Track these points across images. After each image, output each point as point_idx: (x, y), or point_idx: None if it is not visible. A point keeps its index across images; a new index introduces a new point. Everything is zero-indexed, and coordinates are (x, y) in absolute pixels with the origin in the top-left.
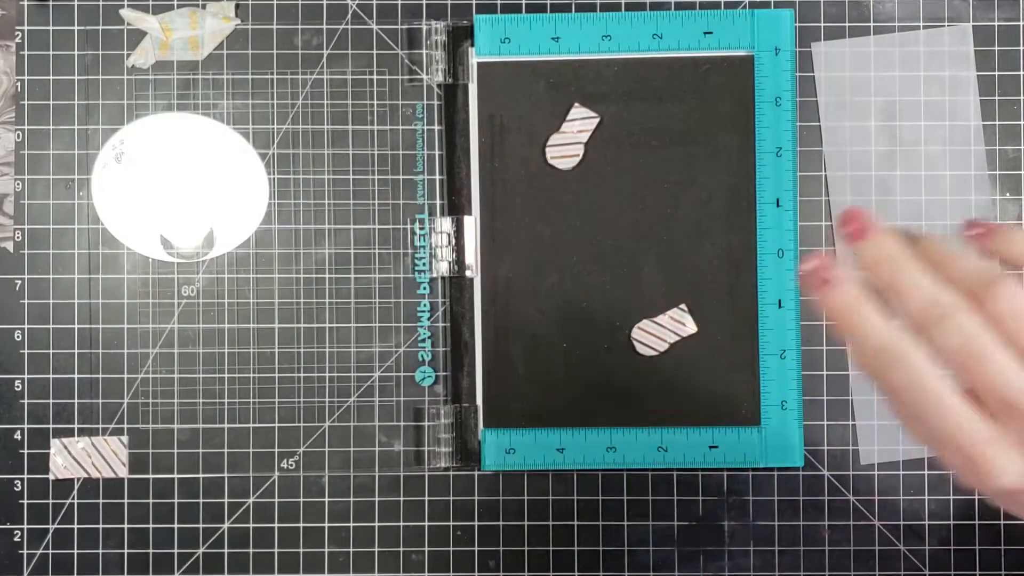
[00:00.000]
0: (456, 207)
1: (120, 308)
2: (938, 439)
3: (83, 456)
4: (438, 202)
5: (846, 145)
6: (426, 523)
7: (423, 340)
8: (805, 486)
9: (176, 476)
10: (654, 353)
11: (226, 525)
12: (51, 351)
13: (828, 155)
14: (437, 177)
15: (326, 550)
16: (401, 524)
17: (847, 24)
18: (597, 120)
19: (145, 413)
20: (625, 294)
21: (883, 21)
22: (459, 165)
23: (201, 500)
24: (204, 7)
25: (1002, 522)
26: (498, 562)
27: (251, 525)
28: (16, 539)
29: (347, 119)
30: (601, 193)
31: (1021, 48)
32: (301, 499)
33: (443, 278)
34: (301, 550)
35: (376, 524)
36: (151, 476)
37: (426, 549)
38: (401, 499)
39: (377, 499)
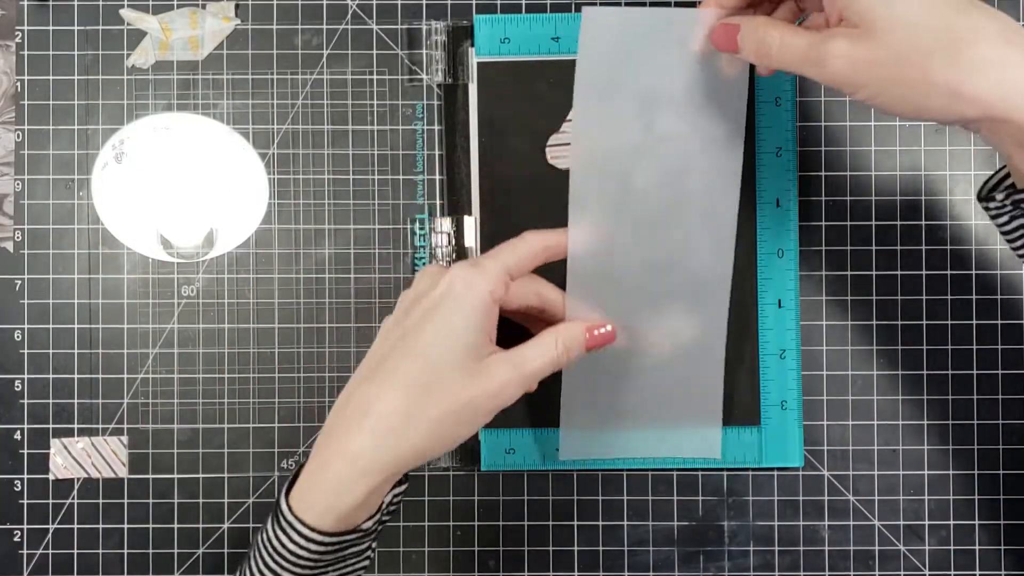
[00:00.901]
0: (456, 207)
1: (120, 308)
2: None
3: (83, 456)
4: (438, 202)
5: (594, 130)
6: (426, 523)
7: None
8: (805, 486)
9: (176, 476)
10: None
11: (226, 525)
12: (51, 351)
13: (575, 141)
14: (437, 177)
15: None
16: (401, 524)
17: None
18: None
19: (145, 413)
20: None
21: None
22: (459, 165)
23: (201, 500)
24: (204, 7)
25: (1002, 522)
26: (498, 562)
27: (251, 525)
28: (16, 539)
29: (347, 119)
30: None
31: None
32: None
33: None
34: None
35: None
36: (151, 476)
37: (426, 549)
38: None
39: None
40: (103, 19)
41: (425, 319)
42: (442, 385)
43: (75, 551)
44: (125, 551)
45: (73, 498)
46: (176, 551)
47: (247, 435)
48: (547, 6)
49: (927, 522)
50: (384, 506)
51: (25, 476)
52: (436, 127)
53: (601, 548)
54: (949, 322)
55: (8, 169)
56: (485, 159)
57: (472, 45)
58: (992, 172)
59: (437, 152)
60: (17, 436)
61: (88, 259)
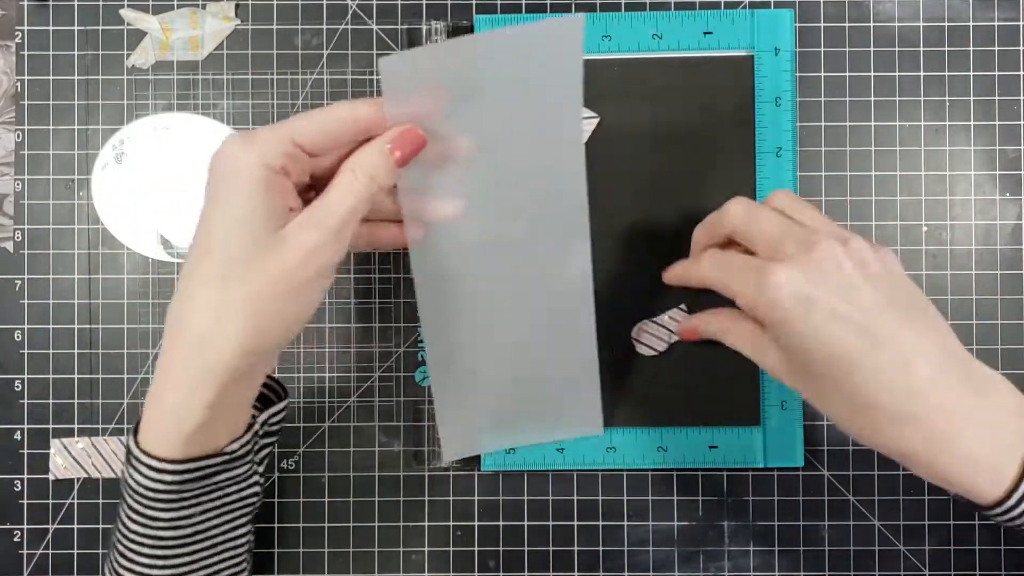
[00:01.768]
0: None
1: (120, 308)
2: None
3: (83, 456)
4: None
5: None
6: (426, 523)
7: (423, 340)
8: (805, 486)
9: None
10: (654, 353)
11: None
12: (51, 351)
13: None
14: None
15: (326, 550)
16: (401, 524)
17: (847, 24)
18: (597, 120)
19: None
20: (625, 294)
21: (883, 21)
22: None
23: None
24: (204, 7)
25: None
26: (498, 562)
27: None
28: (16, 539)
29: None
30: (601, 193)
31: (1021, 48)
32: (301, 499)
33: None
34: (301, 550)
35: (376, 524)
36: None
37: (426, 549)
38: (401, 499)
39: (377, 499)
40: (103, 19)
41: (208, 206)
42: (239, 271)
43: (75, 551)
44: None
45: (73, 498)
46: None
47: None
48: (547, 6)
49: (927, 522)
50: (258, 427)
51: (25, 476)
52: None
53: (601, 548)
54: (949, 322)
55: (8, 169)
56: None
57: None
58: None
59: None
60: (17, 436)
61: (88, 259)
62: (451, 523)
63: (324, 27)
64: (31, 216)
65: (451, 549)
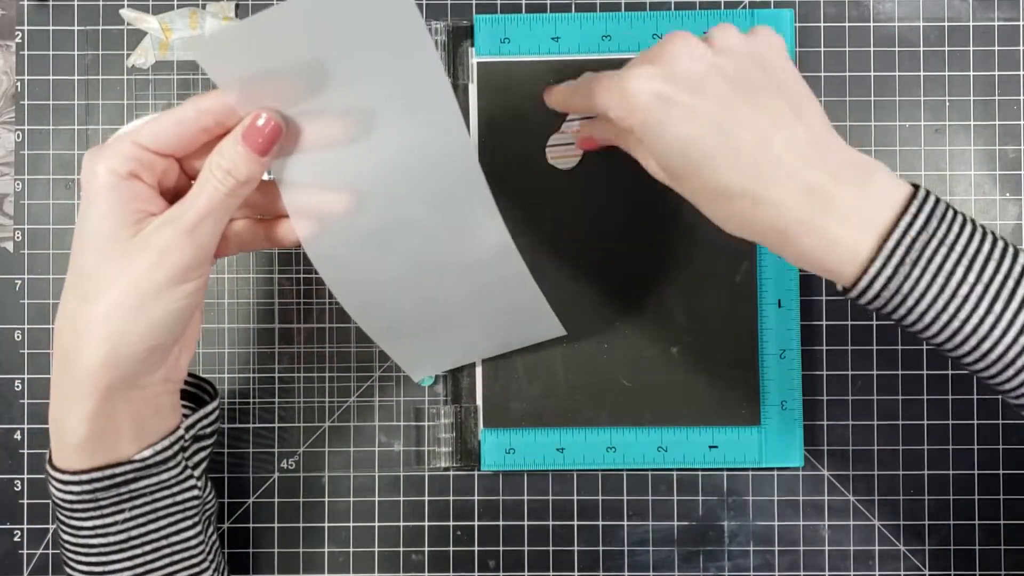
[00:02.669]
0: None
1: None
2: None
3: None
4: None
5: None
6: (426, 523)
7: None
8: (805, 486)
9: None
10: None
11: (226, 525)
12: (51, 351)
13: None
14: None
15: (326, 550)
16: (401, 524)
17: (847, 24)
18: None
19: None
20: (625, 294)
21: (883, 21)
22: None
23: None
24: (204, 7)
25: (1002, 522)
26: (498, 562)
27: (251, 525)
28: (16, 539)
29: None
30: (601, 193)
31: (1021, 48)
32: (301, 499)
33: None
34: (301, 550)
35: (376, 524)
36: None
37: (426, 549)
38: (401, 499)
39: (377, 499)
40: (103, 19)
41: (77, 221)
42: (91, 285)
43: None
44: None
45: None
46: None
47: (247, 435)
48: (547, 6)
49: (927, 522)
50: (182, 432)
51: (25, 476)
52: None
53: (601, 548)
54: None
55: (8, 169)
56: (484, 159)
57: (472, 45)
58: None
59: None
60: (17, 436)
61: None
62: (451, 523)
63: None
64: (31, 216)
65: (451, 549)
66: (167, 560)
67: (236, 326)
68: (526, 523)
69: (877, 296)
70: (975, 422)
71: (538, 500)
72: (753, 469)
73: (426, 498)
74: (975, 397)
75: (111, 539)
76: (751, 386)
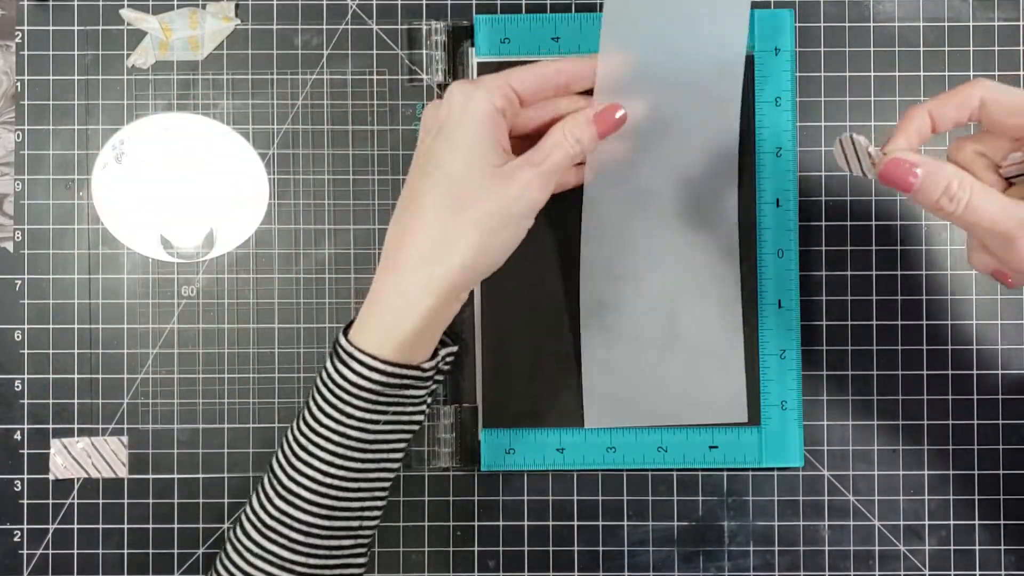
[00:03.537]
0: None
1: (120, 308)
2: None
3: (83, 456)
4: None
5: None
6: (426, 523)
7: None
8: (805, 486)
9: (176, 476)
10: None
11: (226, 525)
12: (51, 351)
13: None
14: None
15: None
16: (401, 524)
17: (847, 24)
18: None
19: (145, 413)
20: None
21: (883, 21)
22: None
23: (201, 500)
24: (204, 7)
25: (1002, 522)
26: (498, 562)
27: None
28: (16, 539)
29: (347, 119)
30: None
31: (1021, 48)
32: None
33: None
34: None
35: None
36: (151, 476)
37: (426, 549)
38: (401, 499)
39: None
40: (103, 19)
41: (436, 142)
42: (467, 198)
43: (75, 551)
44: (125, 551)
45: (73, 498)
46: (176, 551)
47: (247, 435)
48: (547, 6)
49: (927, 522)
50: (439, 359)
51: (25, 476)
52: None
53: (601, 548)
54: (949, 322)
55: (8, 169)
56: None
57: (472, 45)
58: None
59: None
60: (17, 436)
61: (88, 259)
62: (451, 523)
63: (324, 27)
64: (31, 216)
65: (451, 549)
66: (378, 475)
67: (236, 326)
68: (526, 523)
69: None
70: (975, 422)
71: (538, 500)
72: (753, 469)
73: (426, 498)
74: (975, 397)
75: (366, 436)
76: (751, 386)
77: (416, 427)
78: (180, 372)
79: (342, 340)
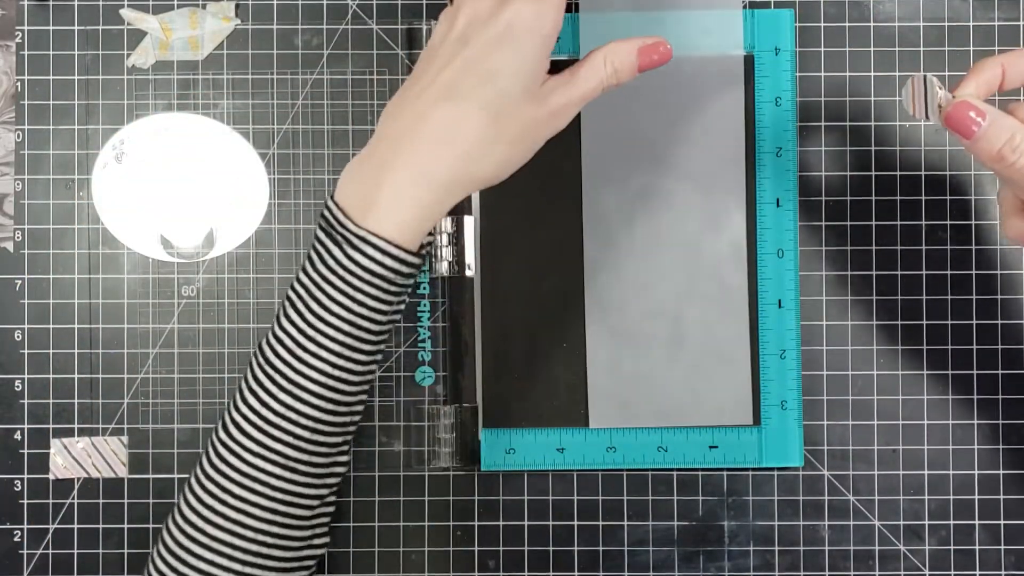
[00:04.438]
0: (456, 207)
1: (120, 308)
2: None
3: (83, 456)
4: None
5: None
6: (426, 523)
7: (423, 340)
8: (805, 486)
9: (176, 476)
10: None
11: None
12: (51, 351)
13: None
14: None
15: (326, 550)
16: (401, 524)
17: (847, 24)
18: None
19: (145, 413)
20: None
21: (883, 21)
22: None
23: None
24: (204, 7)
25: (1002, 522)
26: (498, 562)
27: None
28: (16, 539)
29: (347, 119)
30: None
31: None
32: None
33: (443, 278)
34: None
35: (376, 524)
36: (151, 476)
37: (426, 549)
38: (401, 499)
39: (377, 499)
40: (103, 19)
41: (493, 47)
42: (511, 112)
43: (75, 551)
44: (125, 551)
45: (73, 498)
46: None
47: None
48: None
49: (927, 522)
50: (430, 240)
51: (25, 476)
52: None
53: (601, 548)
54: (949, 322)
55: (8, 169)
56: None
57: None
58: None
59: None
60: (17, 436)
61: (88, 259)
62: (451, 523)
63: (324, 27)
64: (31, 216)
65: (451, 549)
66: (373, 368)
67: (236, 326)
68: (526, 523)
69: None
70: (975, 422)
71: (538, 500)
72: (753, 469)
73: (426, 498)
74: (975, 397)
75: (374, 326)
76: (751, 386)
77: (397, 317)
78: (180, 372)
79: (350, 225)
